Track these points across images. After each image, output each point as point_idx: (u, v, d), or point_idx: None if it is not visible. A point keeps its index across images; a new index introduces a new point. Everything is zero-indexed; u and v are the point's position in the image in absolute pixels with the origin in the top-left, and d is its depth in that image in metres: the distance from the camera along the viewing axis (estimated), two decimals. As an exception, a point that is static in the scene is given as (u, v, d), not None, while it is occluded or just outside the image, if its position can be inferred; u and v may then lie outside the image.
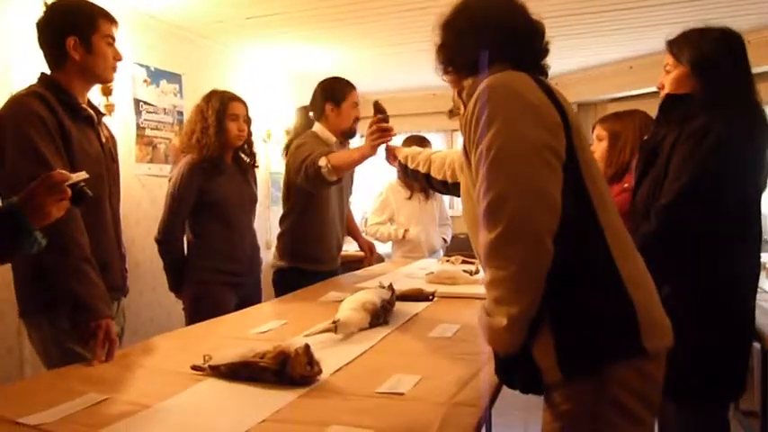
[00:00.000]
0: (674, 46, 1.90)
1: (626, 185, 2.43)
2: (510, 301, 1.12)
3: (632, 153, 2.44)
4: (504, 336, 1.15)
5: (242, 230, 2.76)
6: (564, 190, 1.14)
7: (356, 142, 3.09)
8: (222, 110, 2.65)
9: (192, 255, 2.72)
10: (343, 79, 2.91)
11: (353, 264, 3.55)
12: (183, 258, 2.73)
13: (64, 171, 1.40)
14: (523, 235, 1.10)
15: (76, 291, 1.66)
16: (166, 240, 2.69)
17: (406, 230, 3.84)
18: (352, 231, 3.35)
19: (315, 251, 2.86)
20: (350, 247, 3.56)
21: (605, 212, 1.22)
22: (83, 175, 1.43)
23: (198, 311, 2.36)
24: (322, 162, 2.49)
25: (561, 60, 5.07)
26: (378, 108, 2.41)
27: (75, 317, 1.67)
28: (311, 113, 2.92)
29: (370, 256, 3.37)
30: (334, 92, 2.84)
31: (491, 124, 1.16)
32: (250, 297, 2.72)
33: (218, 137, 2.62)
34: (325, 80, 2.92)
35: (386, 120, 2.39)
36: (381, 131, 2.36)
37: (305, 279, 2.71)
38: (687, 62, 1.86)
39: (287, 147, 2.90)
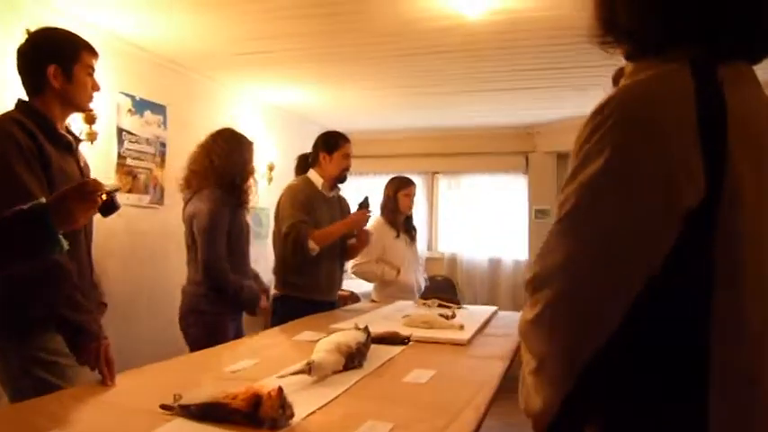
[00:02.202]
0: None
1: None
2: (537, 392, 0.88)
3: None
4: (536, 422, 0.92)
5: (249, 261, 2.98)
6: (658, 302, 0.81)
7: (347, 186, 3.47)
8: (251, 162, 2.94)
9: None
10: (341, 133, 3.33)
11: (342, 302, 3.58)
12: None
13: (98, 180, 1.41)
14: (552, 334, 0.85)
15: (72, 318, 1.69)
16: (223, 269, 2.73)
17: (398, 270, 3.82)
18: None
19: (306, 281, 3.11)
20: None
21: (737, 347, 0.81)
22: (116, 185, 1.44)
23: (209, 342, 2.35)
24: (311, 245, 2.99)
25: (544, 110, 5.18)
26: (365, 204, 3.26)
27: (75, 341, 1.70)
28: (309, 160, 3.33)
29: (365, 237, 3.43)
30: (329, 143, 3.24)
31: (585, 166, 0.82)
32: (239, 326, 2.94)
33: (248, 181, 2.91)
34: (325, 132, 3.37)
35: (368, 211, 3.27)
36: (364, 219, 3.27)
37: (301, 308, 2.93)
38: None
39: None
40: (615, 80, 0.98)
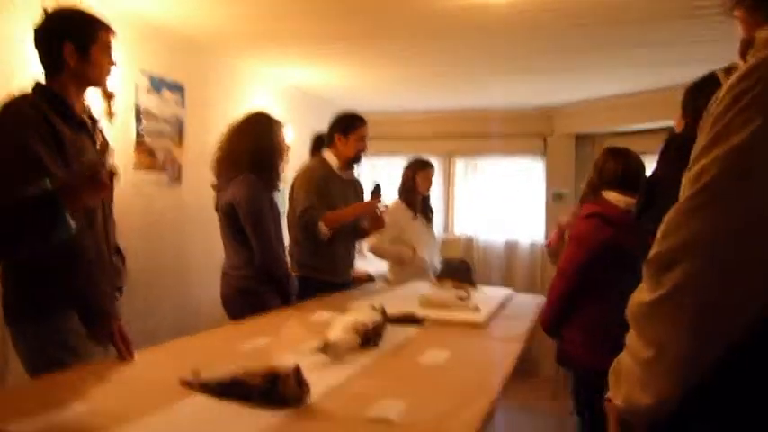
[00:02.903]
0: (684, 99, 1.94)
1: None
2: (647, 385, 0.80)
3: (589, 180, 2.61)
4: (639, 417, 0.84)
5: (284, 245, 2.96)
6: None
7: (363, 166, 3.51)
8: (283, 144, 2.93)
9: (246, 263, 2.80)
10: (357, 115, 3.32)
11: (357, 282, 3.60)
12: None
13: (102, 162, 1.46)
14: (679, 321, 0.75)
15: (87, 295, 1.71)
16: (277, 252, 2.76)
17: (414, 250, 3.83)
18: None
19: (322, 262, 3.15)
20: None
21: None
22: (113, 167, 1.49)
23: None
24: (322, 229, 3.03)
25: (562, 92, 5.12)
26: (377, 191, 3.21)
27: (87, 321, 1.73)
28: (325, 140, 3.32)
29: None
30: (344, 124, 3.26)
31: (726, 136, 0.75)
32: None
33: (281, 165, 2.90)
34: (341, 113, 3.35)
35: (380, 199, 3.24)
36: (374, 207, 3.24)
37: (316, 288, 2.96)
38: (685, 114, 1.91)
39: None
40: (743, 49, 0.90)
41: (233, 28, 3.66)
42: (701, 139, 0.77)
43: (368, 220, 3.33)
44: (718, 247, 0.73)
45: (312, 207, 3.05)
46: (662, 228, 0.78)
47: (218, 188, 2.84)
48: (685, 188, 0.77)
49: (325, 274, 3.16)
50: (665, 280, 0.75)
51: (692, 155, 0.79)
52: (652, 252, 0.78)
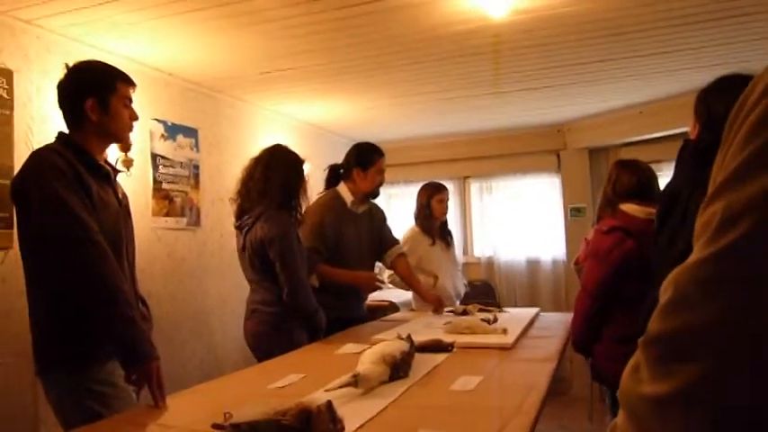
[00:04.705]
0: (696, 102, 1.93)
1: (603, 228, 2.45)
2: None
3: (604, 195, 2.59)
4: None
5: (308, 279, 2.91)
6: None
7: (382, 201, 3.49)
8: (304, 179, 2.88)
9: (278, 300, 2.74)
10: (375, 147, 3.24)
11: (377, 313, 3.58)
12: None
13: None
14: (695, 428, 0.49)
15: (128, 337, 1.72)
16: (307, 289, 2.71)
17: (436, 278, 3.80)
18: (413, 285, 3.54)
19: (335, 300, 3.01)
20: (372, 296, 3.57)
21: None
22: None
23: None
24: (313, 279, 2.93)
25: (573, 106, 5.12)
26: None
27: (129, 363, 1.73)
28: (341, 171, 3.25)
29: (440, 308, 3.41)
30: (363, 157, 3.19)
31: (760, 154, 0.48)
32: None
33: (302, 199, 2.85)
34: (358, 144, 3.28)
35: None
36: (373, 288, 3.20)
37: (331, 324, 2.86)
38: (698, 120, 1.90)
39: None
40: None
41: (240, 70, 3.72)
42: (728, 159, 0.51)
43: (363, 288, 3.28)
44: (754, 340, 0.47)
45: (314, 250, 2.95)
46: (669, 293, 0.52)
47: (241, 226, 2.78)
48: (699, 233, 0.51)
49: (342, 311, 3.08)
50: (675, 372, 0.51)
51: (714, 176, 0.52)
52: (654, 328, 0.53)
